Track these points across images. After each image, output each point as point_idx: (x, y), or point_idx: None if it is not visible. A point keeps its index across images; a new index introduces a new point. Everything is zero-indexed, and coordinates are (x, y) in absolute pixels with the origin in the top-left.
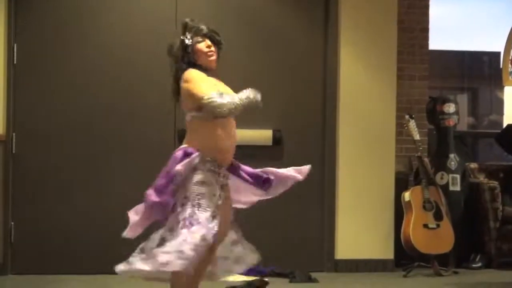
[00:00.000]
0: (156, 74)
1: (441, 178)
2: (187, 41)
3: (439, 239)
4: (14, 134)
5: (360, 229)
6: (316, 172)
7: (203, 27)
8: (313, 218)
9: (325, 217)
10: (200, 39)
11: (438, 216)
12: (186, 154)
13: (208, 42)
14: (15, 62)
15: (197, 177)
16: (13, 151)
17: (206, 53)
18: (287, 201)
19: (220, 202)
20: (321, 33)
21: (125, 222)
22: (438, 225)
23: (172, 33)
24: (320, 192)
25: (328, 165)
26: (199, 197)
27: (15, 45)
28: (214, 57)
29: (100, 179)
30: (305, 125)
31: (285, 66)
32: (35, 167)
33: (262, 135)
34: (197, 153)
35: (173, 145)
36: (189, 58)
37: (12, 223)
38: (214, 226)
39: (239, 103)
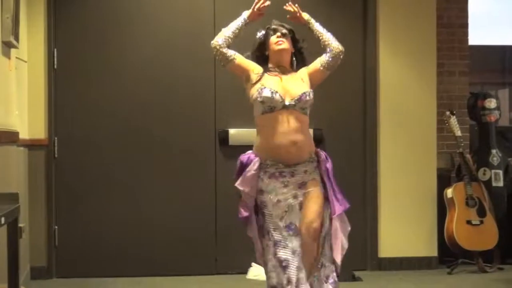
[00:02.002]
0: (197, 75)
1: (484, 174)
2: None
3: (483, 235)
4: (56, 138)
5: (403, 227)
6: (358, 170)
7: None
8: (356, 216)
9: (368, 216)
10: (271, 32)
11: (481, 212)
12: (242, 163)
13: (278, 33)
14: (55, 67)
15: (259, 185)
16: (55, 156)
17: (275, 43)
18: None
19: (293, 203)
20: (359, 31)
21: (166, 223)
22: (481, 222)
23: (210, 34)
24: (362, 191)
25: (369, 163)
26: (263, 206)
27: (55, 49)
28: (282, 46)
29: (141, 182)
30: (346, 123)
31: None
32: (77, 171)
33: None
34: (254, 159)
35: (214, 147)
36: (261, 52)
37: (56, 227)
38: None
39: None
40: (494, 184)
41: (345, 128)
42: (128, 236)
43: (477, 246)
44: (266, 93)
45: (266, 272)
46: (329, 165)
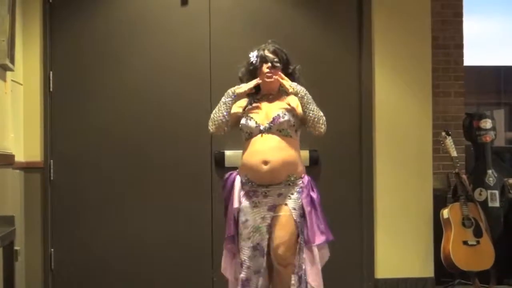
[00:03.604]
0: (193, 96)
1: (480, 194)
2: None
3: (480, 255)
4: (51, 161)
5: (399, 247)
6: (354, 190)
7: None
8: (352, 237)
9: (364, 236)
10: (263, 60)
11: (477, 233)
12: (225, 179)
13: (269, 64)
14: (51, 90)
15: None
16: (51, 178)
17: (265, 74)
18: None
19: (260, 224)
20: (355, 51)
21: (164, 246)
22: (478, 242)
23: (206, 54)
24: (358, 211)
25: (365, 183)
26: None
27: (51, 72)
28: (270, 80)
29: (138, 204)
30: (341, 143)
31: (319, 85)
32: (73, 194)
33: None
34: (233, 175)
35: (210, 167)
36: (253, 76)
37: (52, 249)
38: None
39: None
40: (490, 204)
41: (341, 148)
42: (125, 258)
43: (474, 267)
44: (242, 121)
45: None
46: (314, 194)
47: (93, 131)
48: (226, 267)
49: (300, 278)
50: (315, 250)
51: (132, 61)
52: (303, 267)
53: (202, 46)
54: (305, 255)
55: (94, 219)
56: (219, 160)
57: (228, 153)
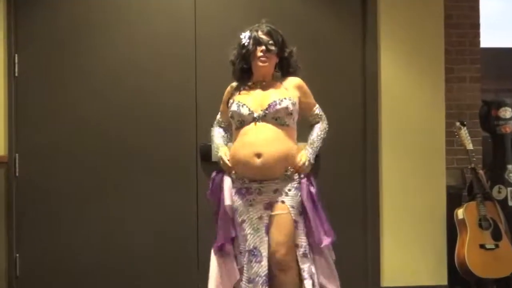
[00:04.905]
0: (176, 83)
1: (499, 192)
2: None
3: (498, 261)
4: (17, 155)
5: (408, 252)
6: (358, 189)
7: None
8: (355, 241)
9: (369, 240)
10: (256, 43)
11: (496, 235)
12: (213, 180)
13: (263, 47)
14: (16, 74)
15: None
16: (17, 174)
17: (258, 57)
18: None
19: (258, 225)
20: (358, 33)
21: (142, 249)
22: (496, 246)
23: (191, 41)
24: (362, 212)
25: (370, 181)
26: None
27: (16, 55)
28: (264, 64)
29: (115, 203)
30: (343, 135)
31: (318, 71)
32: (41, 191)
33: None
34: (221, 173)
35: (195, 161)
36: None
37: (17, 254)
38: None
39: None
40: (510, 203)
41: (343, 142)
42: (99, 263)
43: (492, 273)
44: (233, 108)
45: None
46: (313, 189)
47: (64, 121)
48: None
49: (313, 283)
50: (325, 251)
51: (110, 43)
52: (313, 270)
53: (188, 31)
54: (313, 258)
55: (65, 220)
56: (205, 154)
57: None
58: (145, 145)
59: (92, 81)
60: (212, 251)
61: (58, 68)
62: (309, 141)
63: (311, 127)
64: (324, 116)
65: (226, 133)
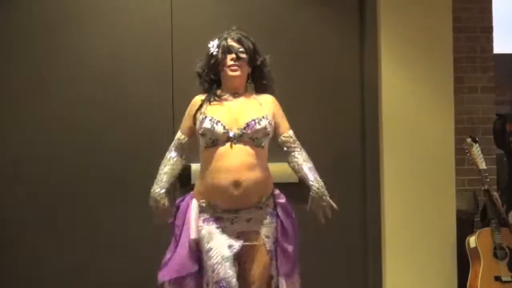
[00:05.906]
0: (152, 97)
1: None
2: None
3: None
4: None
5: (414, 284)
6: (357, 213)
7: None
8: (356, 271)
9: (370, 270)
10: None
11: None
12: (177, 209)
13: (233, 55)
14: None
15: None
16: None
17: (228, 66)
18: (323, 247)
19: (227, 254)
20: (355, 37)
21: (115, 277)
22: None
23: (167, 39)
24: (363, 239)
25: (370, 203)
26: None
27: None
28: (235, 73)
29: (84, 227)
30: (340, 152)
31: (313, 79)
32: None
33: (285, 170)
34: (190, 202)
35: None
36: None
37: None
38: None
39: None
40: None
41: (340, 160)
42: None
43: None
44: (206, 124)
45: None
46: (289, 223)
47: (26, 133)
48: None
49: None
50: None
51: (80, 46)
52: None
53: (164, 32)
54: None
55: (27, 247)
56: (185, 177)
57: (195, 166)
58: (118, 162)
59: (60, 90)
60: (166, 284)
61: (20, 75)
62: (311, 178)
63: (286, 154)
64: (298, 143)
65: (181, 156)
